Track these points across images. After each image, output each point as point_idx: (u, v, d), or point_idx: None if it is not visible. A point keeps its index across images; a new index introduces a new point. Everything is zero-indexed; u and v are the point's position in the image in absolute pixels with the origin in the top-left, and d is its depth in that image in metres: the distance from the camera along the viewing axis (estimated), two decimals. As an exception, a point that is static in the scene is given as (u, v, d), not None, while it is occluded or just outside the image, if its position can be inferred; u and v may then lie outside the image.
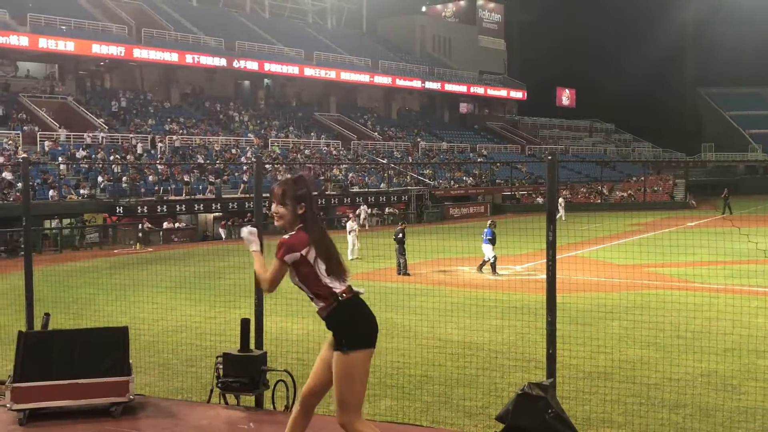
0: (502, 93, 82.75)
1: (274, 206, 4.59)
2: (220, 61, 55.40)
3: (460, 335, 11.92)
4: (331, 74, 63.25)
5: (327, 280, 4.55)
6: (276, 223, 4.62)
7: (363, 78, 66.25)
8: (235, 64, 56.47)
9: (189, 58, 53.51)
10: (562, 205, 45.44)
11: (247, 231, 4.81)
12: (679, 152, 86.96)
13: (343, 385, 4.53)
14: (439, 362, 10.14)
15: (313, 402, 4.82)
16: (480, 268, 21.44)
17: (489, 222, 22.54)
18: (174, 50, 52.85)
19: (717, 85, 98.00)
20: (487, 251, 21.37)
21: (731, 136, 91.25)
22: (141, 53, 51.12)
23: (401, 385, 9.07)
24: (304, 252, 4.50)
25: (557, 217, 42.17)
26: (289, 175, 4.79)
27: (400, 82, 69.69)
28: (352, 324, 4.56)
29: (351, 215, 28.42)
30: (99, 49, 48.78)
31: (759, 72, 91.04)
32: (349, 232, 25.68)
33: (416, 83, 71.22)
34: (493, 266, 21.27)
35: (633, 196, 61.78)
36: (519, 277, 20.40)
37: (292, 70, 60.49)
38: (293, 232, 4.55)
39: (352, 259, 24.35)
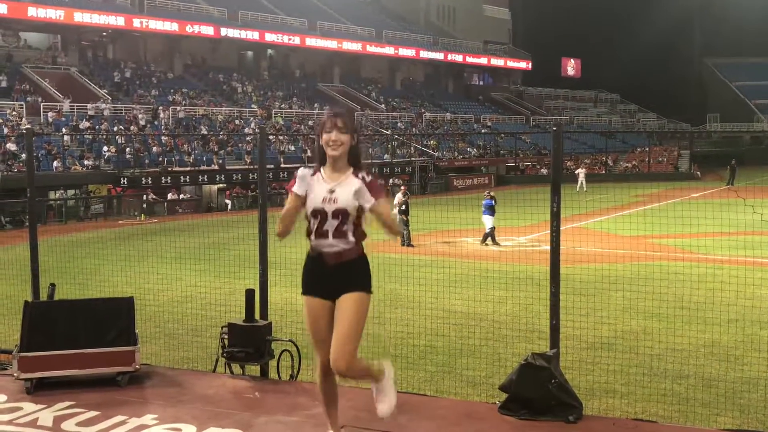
0: (507, 63, 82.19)
1: (334, 134, 4.51)
2: (223, 31, 55.05)
3: (464, 306, 11.96)
4: (335, 44, 62.87)
5: (365, 225, 4.64)
6: (332, 153, 4.52)
7: (367, 48, 65.85)
8: (238, 34, 56.14)
9: (191, 28, 53.18)
10: (582, 174, 45.14)
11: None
12: (684, 123, 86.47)
13: (359, 325, 4.58)
14: (442, 332, 10.18)
15: None
16: (483, 240, 21.46)
17: (486, 193, 22.65)
18: (176, 20, 52.52)
19: (723, 55, 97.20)
20: (488, 222, 21.44)
21: (737, 107, 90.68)
22: (143, 23, 50.81)
23: (405, 355, 9.12)
24: None
25: (578, 189, 41.93)
26: (335, 108, 4.73)
27: (404, 52, 69.24)
28: (370, 271, 4.69)
29: (403, 187, 27.74)
30: (101, 19, 48.49)
31: (766, 42, 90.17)
32: (397, 204, 24.80)
33: (420, 53, 70.77)
34: (493, 237, 21.35)
35: (637, 167, 61.58)
36: (523, 249, 20.43)
37: (296, 40, 60.13)
38: (369, 176, 4.57)
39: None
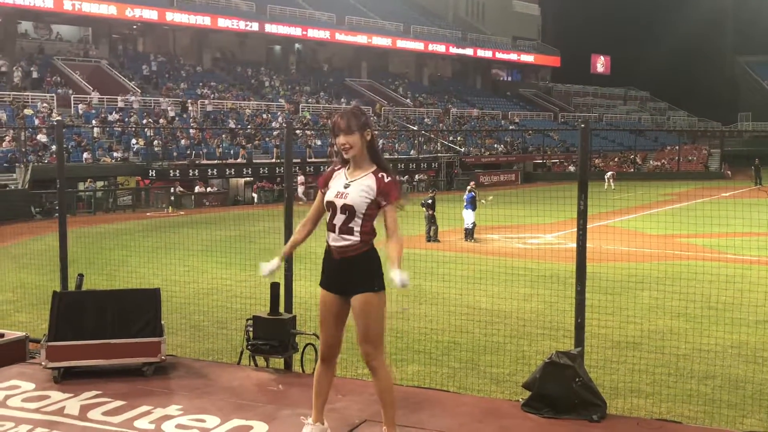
0: (536, 59, 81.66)
1: (342, 138, 4.60)
2: (252, 25, 55.27)
3: (489, 303, 11.92)
4: (363, 39, 62.85)
5: (375, 222, 4.66)
6: (346, 155, 4.64)
7: (395, 43, 65.74)
8: (267, 28, 56.32)
9: (220, 22, 53.39)
10: (611, 177, 44.76)
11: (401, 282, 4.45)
12: (715, 121, 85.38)
13: (376, 322, 4.68)
14: (466, 329, 10.16)
15: (334, 354, 4.96)
16: (471, 237, 21.37)
17: (468, 187, 22.55)
18: (206, 14, 52.76)
19: (756, 53, 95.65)
20: (468, 217, 21.37)
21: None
22: (173, 16, 51.11)
23: (429, 351, 9.11)
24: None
25: (605, 188, 41.62)
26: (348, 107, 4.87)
27: (433, 48, 69.04)
28: (380, 267, 4.71)
29: (472, 183, 27.81)
30: (132, 12, 48.87)
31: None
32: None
33: (449, 49, 70.52)
34: (471, 232, 21.29)
35: (667, 165, 60.98)
36: (549, 246, 20.33)
37: (324, 34, 60.22)
38: (389, 177, 4.63)
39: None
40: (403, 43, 66.18)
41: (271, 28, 56.40)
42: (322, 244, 4.88)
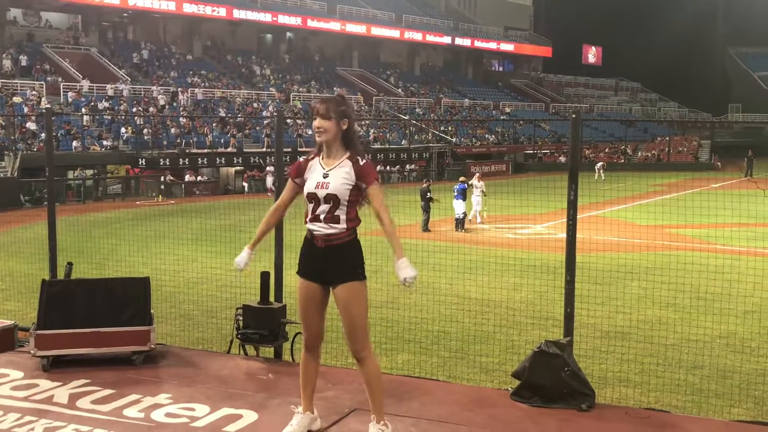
0: (528, 50, 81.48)
1: (318, 121, 4.63)
2: (242, 14, 54.83)
3: (479, 292, 11.95)
4: (355, 28, 62.61)
5: (358, 209, 4.71)
6: (318, 138, 4.67)
7: (387, 32, 65.49)
8: (258, 16, 55.96)
9: (186, 8, 52.41)
10: (601, 168, 44.87)
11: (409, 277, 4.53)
12: (706, 113, 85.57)
13: (362, 311, 4.69)
14: (456, 318, 10.19)
15: (319, 342, 4.96)
16: (463, 227, 21.47)
17: (461, 179, 22.81)
18: (196, 2, 52.31)
19: (747, 44, 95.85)
20: (458, 208, 21.52)
21: (760, 97, 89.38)
22: (135, 1, 49.95)
23: (419, 340, 9.13)
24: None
25: (596, 178, 41.57)
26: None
27: (424, 37, 68.79)
28: (362, 255, 4.74)
29: (477, 174, 27.62)
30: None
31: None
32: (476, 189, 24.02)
33: (440, 38, 70.27)
34: (462, 222, 21.41)
35: (657, 156, 61.13)
36: (539, 236, 20.37)
37: (315, 23, 59.95)
38: (363, 160, 4.66)
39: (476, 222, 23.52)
40: (394, 33, 65.78)
41: (239, 14, 55.27)
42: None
